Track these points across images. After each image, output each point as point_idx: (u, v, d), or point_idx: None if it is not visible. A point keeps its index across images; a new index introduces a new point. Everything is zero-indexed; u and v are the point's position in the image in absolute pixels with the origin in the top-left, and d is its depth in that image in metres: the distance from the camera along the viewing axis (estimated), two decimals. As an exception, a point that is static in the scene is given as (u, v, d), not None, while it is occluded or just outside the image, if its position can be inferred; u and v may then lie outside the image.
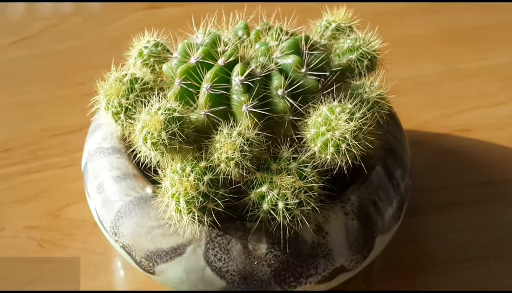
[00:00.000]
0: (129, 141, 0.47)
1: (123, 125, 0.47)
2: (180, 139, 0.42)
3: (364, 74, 0.49)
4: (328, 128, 0.42)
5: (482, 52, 0.78)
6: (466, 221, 0.60)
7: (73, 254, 0.57)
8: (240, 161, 0.42)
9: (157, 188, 0.45)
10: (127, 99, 0.47)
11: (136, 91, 0.47)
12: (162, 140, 0.42)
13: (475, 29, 0.82)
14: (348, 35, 0.51)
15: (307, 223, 0.42)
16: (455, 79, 0.75)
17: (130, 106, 0.46)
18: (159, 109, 0.43)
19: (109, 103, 0.47)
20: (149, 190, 0.46)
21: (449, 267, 0.57)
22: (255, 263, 0.43)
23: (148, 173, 0.46)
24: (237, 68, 0.44)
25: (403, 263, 0.57)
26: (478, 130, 0.69)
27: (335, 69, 0.48)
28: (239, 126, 0.43)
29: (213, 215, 0.42)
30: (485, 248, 0.58)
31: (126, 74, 0.48)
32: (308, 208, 0.42)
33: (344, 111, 0.42)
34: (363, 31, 0.51)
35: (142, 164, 0.46)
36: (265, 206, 0.42)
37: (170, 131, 0.42)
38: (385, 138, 0.50)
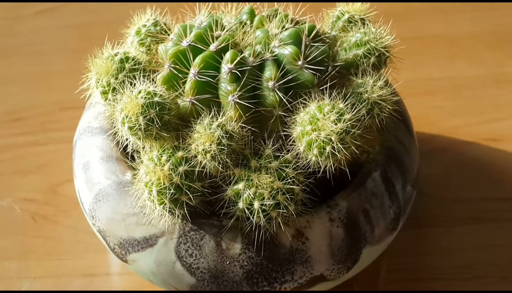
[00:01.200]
0: (112, 123, 0.46)
1: (110, 105, 0.45)
2: (157, 126, 0.40)
3: (370, 72, 0.45)
4: (314, 128, 0.39)
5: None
6: (478, 238, 0.55)
7: (65, 231, 0.56)
8: (217, 154, 0.39)
9: (136, 174, 0.43)
10: (116, 78, 0.45)
11: (126, 71, 0.45)
12: (139, 125, 0.40)
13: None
14: (360, 28, 0.47)
15: (284, 226, 0.39)
16: (494, 84, 0.70)
17: (117, 86, 0.44)
18: (139, 92, 0.41)
19: (98, 82, 0.45)
20: (128, 175, 0.44)
21: (452, 283, 0.52)
22: (227, 262, 0.41)
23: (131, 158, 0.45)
24: (228, 55, 0.42)
25: (405, 275, 0.53)
26: (509, 141, 0.64)
27: (338, 64, 0.44)
28: (221, 118, 0.40)
29: (185, 208, 0.40)
30: (493, 267, 0.54)
31: (118, 53, 0.46)
32: (285, 211, 0.39)
33: (333, 111, 0.39)
34: (377, 24, 0.47)
35: (132, 148, 0.44)
36: (240, 204, 0.40)
37: (148, 117, 0.40)
38: (388, 143, 0.46)
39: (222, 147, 0.39)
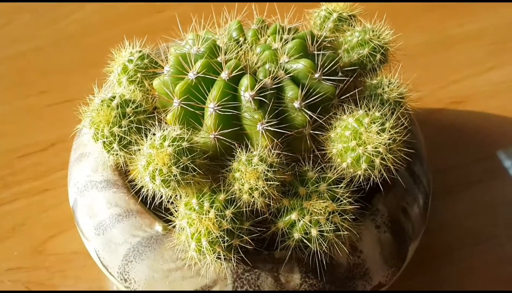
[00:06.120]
0: (126, 174, 0.42)
1: (117, 155, 0.41)
2: (194, 172, 0.37)
3: (377, 69, 0.44)
4: (359, 142, 0.38)
5: (466, 16, 0.75)
6: (475, 201, 0.58)
7: (68, 293, 0.51)
8: (266, 190, 0.37)
9: (169, 225, 0.40)
10: (120, 126, 0.41)
11: (129, 116, 0.41)
12: (174, 176, 0.37)
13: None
14: (353, 25, 0.46)
15: (342, 245, 0.38)
16: (443, 47, 0.72)
17: (124, 135, 0.40)
18: (164, 139, 0.37)
19: (98, 133, 0.41)
20: (158, 227, 0.41)
21: (465, 253, 0.55)
22: (290, 296, 0.39)
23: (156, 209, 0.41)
24: (245, 81, 0.39)
25: (428, 254, 0.54)
26: (472, 101, 0.67)
27: (348, 68, 0.43)
28: (258, 150, 0.38)
29: (240, 251, 0.38)
30: (496, 228, 0.57)
31: (114, 97, 0.41)
32: (346, 232, 0.38)
33: (374, 122, 0.38)
34: (367, 19, 0.47)
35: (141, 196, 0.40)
36: (296, 235, 0.38)
37: (182, 165, 0.37)
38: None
39: (270, 182, 0.37)
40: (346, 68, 0.44)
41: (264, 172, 0.37)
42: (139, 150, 0.38)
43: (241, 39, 0.44)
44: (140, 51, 0.44)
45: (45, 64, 0.68)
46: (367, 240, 0.41)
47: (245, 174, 0.37)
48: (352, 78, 0.42)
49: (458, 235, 0.56)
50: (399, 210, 0.43)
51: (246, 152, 0.38)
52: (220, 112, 0.39)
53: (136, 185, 0.39)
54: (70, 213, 0.47)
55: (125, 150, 0.41)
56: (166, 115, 0.41)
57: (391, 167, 0.38)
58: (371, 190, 0.42)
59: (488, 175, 0.60)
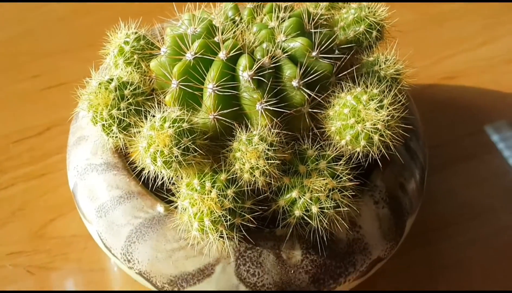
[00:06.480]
0: (126, 156, 0.42)
1: (116, 137, 0.41)
2: (195, 153, 0.37)
3: (373, 46, 0.45)
4: (358, 120, 0.38)
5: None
6: (468, 175, 0.59)
7: (69, 276, 0.52)
8: (266, 169, 0.37)
9: (171, 205, 0.40)
10: (119, 109, 0.41)
11: (128, 98, 0.41)
12: (175, 157, 0.37)
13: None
14: (348, 2, 0.46)
15: (342, 221, 0.39)
16: (435, 23, 0.73)
17: (123, 117, 0.40)
18: (164, 121, 0.37)
19: (97, 116, 0.41)
20: (160, 208, 0.41)
21: (461, 227, 0.55)
22: (292, 272, 0.40)
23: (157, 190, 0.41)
24: (243, 61, 0.39)
25: (421, 228, 0.55)
26: (465, 76, 0.67)
27: (345, 46, 0.43)
28: (258, 130, 0.38)
29: (242, 229, 0.38)
30: (490, 199, 0.57)
31: (112, 79, 0.41)
32: (346, 209, 0.38)
33: (372, 99, 0.38)
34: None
35: (142, 178, 0.40)
36: (297, 212, 0.38)
37: (183, 146, 0.37)
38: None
39: (270, 160, 0.37)
40: (342, 46, 0.44)
41: (265, 151, 0.37)
42: (139, 132, 0.39)
43: (237, 18, 0.44)
44: (136, 33, 0.44)
45: (36, 47, 0.68)
46: (366, 215, 0.42)
47: (246, 154, 0.37)
48: (349, 56, 0.43)
49: (454, 208, 0.57)
50: (397, 185, 0.44)
51: (246, 132, 0.38)
52: (219, 93, 0.39)
53: (136, 167, 0.40)
54: (68, 196, 0.47)
55: (125, 132, 0.41)
56: (164, 97, 0.41)
57: (390, 143, 0.38)
58: (369, 166, 0.43)
59: (482, 149, 0.61)
